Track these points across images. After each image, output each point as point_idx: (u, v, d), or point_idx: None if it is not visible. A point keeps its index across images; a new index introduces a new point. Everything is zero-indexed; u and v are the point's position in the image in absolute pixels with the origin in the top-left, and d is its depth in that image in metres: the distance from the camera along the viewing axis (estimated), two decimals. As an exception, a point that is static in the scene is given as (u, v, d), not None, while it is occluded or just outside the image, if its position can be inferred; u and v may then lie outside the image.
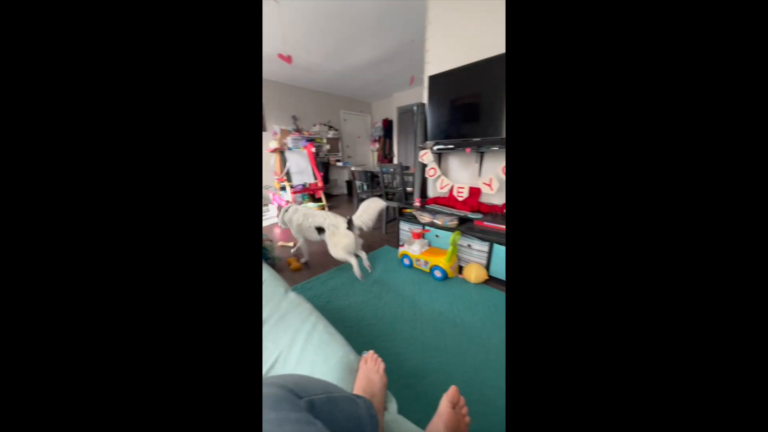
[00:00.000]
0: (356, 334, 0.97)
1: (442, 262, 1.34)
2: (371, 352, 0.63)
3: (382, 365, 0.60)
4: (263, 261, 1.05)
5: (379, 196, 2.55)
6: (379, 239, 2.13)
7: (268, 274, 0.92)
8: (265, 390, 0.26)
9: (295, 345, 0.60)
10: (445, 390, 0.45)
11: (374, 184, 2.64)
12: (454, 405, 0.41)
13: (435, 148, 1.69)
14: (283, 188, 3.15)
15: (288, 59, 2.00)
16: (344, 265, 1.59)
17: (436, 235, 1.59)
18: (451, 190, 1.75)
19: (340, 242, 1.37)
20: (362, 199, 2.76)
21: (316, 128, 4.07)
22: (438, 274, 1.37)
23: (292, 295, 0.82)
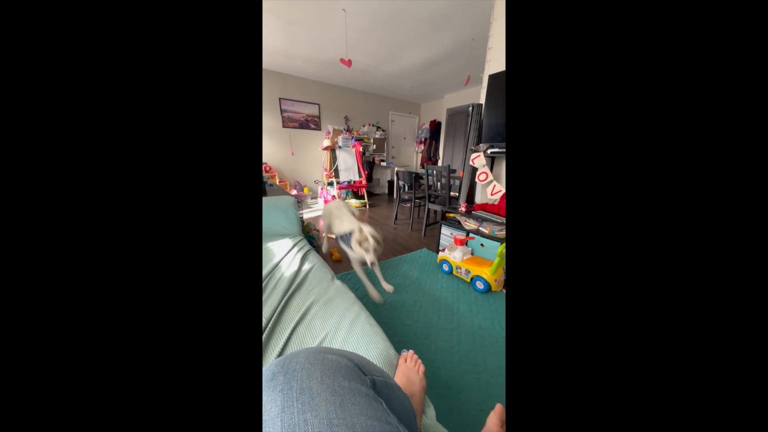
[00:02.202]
0: (391, 332, 0.97)
1: (486, 273, 1.25)
2: (411, 351, 0.62)
3: (422, 367, 0.59)
4: (311, 247, 1.14)
5: (421, 198, 2.52)
6: (418, 241, 2.10)
7: (317, 260, 1.00)
8: (334, 358, 0.27)
9: (340, 329, 0.64)
10: (483, 408, 0.42)
11: (417, 185, 2.61)
12: (503, 424, 0.38)
13: (489, 151, 1.59)
14: (330, 183, 3.37)
15: (348, 63, 2.13)
16: (383, 262, 1.62)
17: (481, 244, 1.49)
18: (502, 198, 1.62)
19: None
20: (404, 200, 2.78)
21: (365, 128, 4.23)
22: (480, 285, 1.29)
23: (338, 282, 0.87)
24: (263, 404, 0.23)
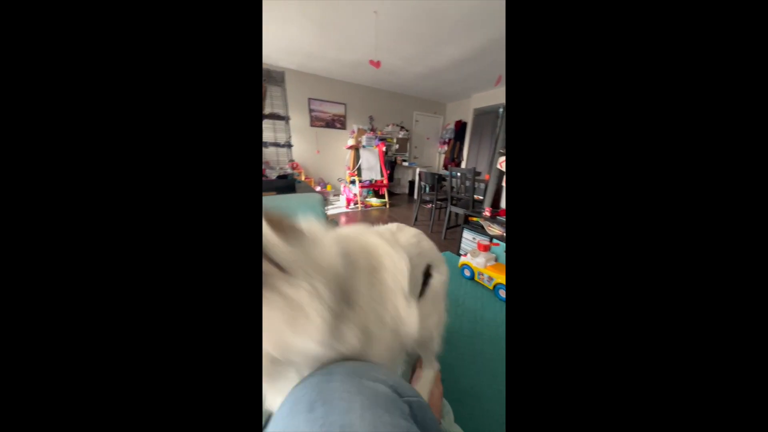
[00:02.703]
0: (411, 333, 0.98)
1: (512, 282, 1.21)
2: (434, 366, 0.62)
3: (440, 386, 0.58)
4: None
5: (443, 200, 2.48)
6: (438, 243, 2.08)
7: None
8: (371, 384, 0.25)
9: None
10: (504, 419, 0.40)
11: (439, 186, 2.57)
12: None
13: (519, 155, 1.52)
14: (353, 182, 3.44)
15: (377, 64, 2.15)
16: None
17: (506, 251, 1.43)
18: (532, 204, 1.54)
19: None
20: (425, 201, 2.74)
21: (389, 128, 4.25)
22: (503, 294, 1.24)
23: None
24: None
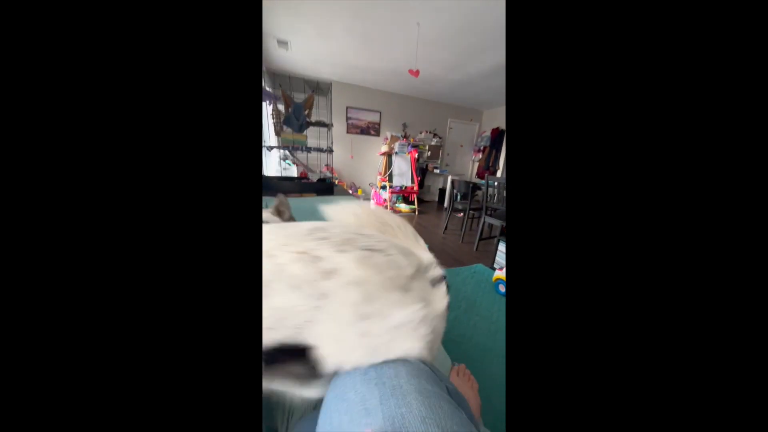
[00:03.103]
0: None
1: (555, 303, 1.10)
2: (463, 365, 0.60)
3: (476, 384, 0.56)
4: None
5: (476, 209, 2.38)
6: (469, 255, 1.99)
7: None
8: (414, 361, 0.28)
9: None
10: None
11: (472, 196, 2.48)
12: None
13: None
14: (383, 187, 3.50)
15: (416, 73, 2.19)
16: (431, 272, 1.59)
17: (549, 270, 1.31)
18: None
19: None
20: (456, 209, 2.66)
21: (422, 135, 4.25)
22: (544, 316, 1.13)
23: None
24: (359, 394, 0.24)
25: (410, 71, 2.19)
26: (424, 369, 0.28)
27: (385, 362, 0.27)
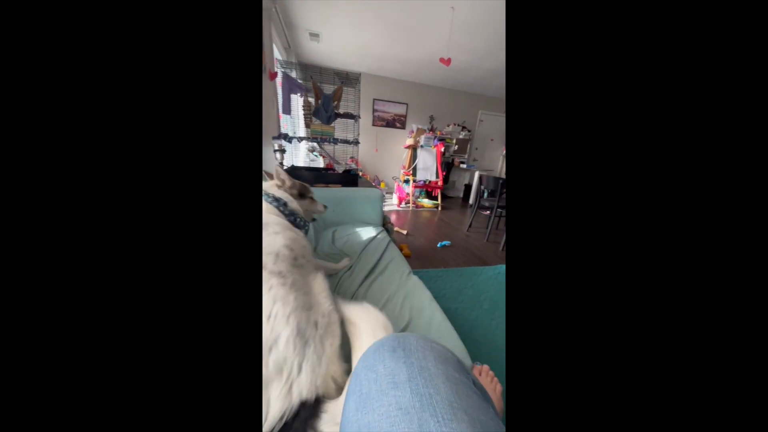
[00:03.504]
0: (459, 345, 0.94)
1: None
2: (486, 366, 0.58)
3: (499, 386, 0.54)
4: (389, 240, 1.21)
5: (505, 207, 2.25)
6: (494, 255, 1.90)
7: (395, 253, 1.06)
8: (440, 348, 0.28)
9: (419, 324, 0.66)
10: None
11: (501, 193, 2.35)
12: None
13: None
14: (406, 181, 3.47)
15: (448, 62, 2.10)
16: (454, 269, 1.56)
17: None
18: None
19: None
20: (483, 207, 2.55)
21: (450, 128, 4.10)
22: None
23: (415, 278, 0.90)
24: (387, 368, 0.25)
25: (441, 59, 2.10)
26: (452, 358, 0.28)
27: (414, 343, 0.28)
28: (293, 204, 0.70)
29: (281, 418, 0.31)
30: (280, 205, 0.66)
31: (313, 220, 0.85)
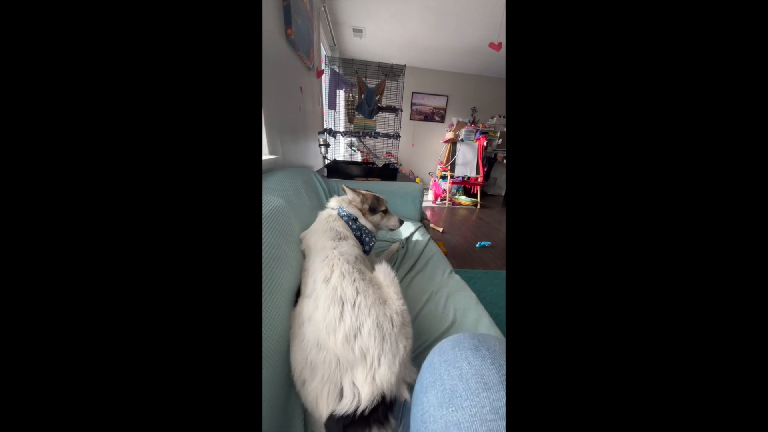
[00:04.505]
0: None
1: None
2: None
3: None
4: (429, 236, 1.18)
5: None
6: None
7: (435, 249, 1.03)
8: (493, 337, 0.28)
9: (465, 323, 0.63)
10: None
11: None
12: None
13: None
14: (443, 177, 3.34)
15: (498, 47, 1.92)
16: (493, 271, 1.46)
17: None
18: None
19: None
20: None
21: (494, 121, 3.80)
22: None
23: (457, 277, 0.86)
24: (473, 366, 0.25)
25: (491, 44, 1.93)
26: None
27: (495, 344, 0.27)
28: (362, 219, 0.74)
29: (372, 401, 0.32)
30: (350, 220, 0.71)
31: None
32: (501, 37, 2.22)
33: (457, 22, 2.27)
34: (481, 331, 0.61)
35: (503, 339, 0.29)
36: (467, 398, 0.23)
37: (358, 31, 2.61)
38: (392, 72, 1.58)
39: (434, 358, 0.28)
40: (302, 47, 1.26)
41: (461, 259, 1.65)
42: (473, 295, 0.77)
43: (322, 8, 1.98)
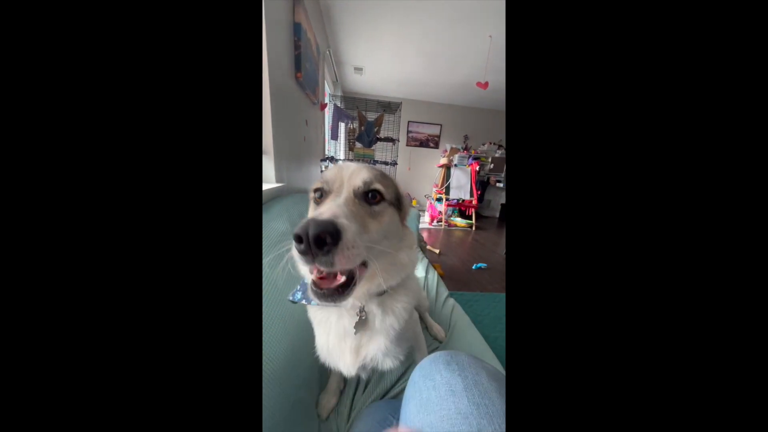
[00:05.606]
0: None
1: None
2: None
3: None
4: (427, 261, 1.22)
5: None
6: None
7: (433, 274, 1.07)
8: (491, 367, 0.30)
9: (456, 348, 0.66)
10: None
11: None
12: None
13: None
14: (439, 199, 3.46)
15: (485, 86, 2.14)
16: (488, 294, 1.48)
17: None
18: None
19: None
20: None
21: (485, 147, 4.04)
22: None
23: (451, 301, 0.89)
24: (444, 378, 0.28)
25: (479, 83, 2.15)
26: (502, 377, 0.30)
27: (466, 360, 0.31)
28: None
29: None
30: None
31: None
32: (487, 76, 2.48)
33: (448, 63, 2.53)
34: (474, 353, 0.64)
35: (473, 355, 0.33)
36: (438, 403, 0.26)
37: (358, 69, 2.89)
38: (390, 107, 1.74)
39: (415, 374, 0.32)
40: (309, 86, 1.40)
41: (458, 281, 1.67)
42: (467, 318, 0.80)
43: (327, 52, 2.21)
